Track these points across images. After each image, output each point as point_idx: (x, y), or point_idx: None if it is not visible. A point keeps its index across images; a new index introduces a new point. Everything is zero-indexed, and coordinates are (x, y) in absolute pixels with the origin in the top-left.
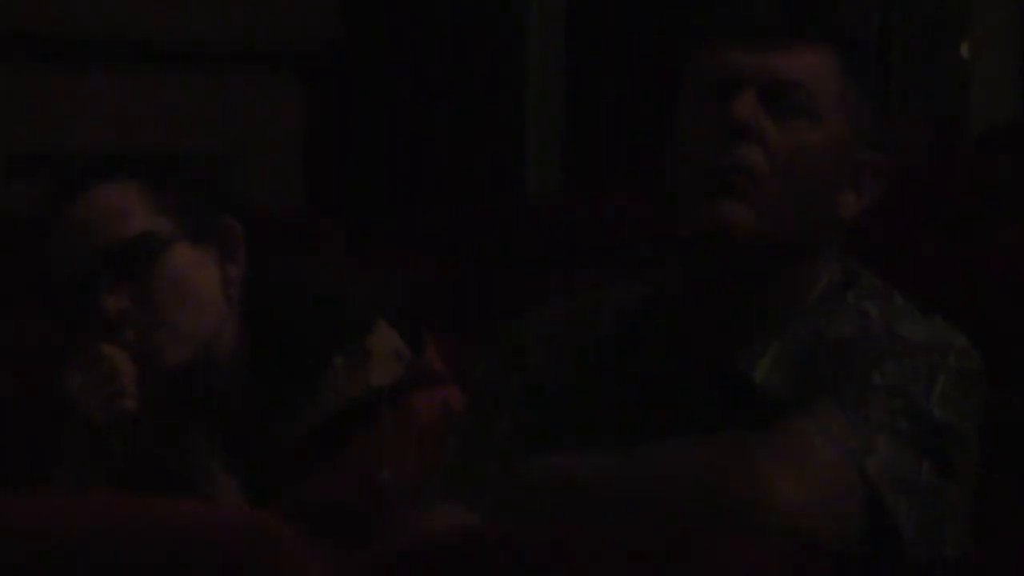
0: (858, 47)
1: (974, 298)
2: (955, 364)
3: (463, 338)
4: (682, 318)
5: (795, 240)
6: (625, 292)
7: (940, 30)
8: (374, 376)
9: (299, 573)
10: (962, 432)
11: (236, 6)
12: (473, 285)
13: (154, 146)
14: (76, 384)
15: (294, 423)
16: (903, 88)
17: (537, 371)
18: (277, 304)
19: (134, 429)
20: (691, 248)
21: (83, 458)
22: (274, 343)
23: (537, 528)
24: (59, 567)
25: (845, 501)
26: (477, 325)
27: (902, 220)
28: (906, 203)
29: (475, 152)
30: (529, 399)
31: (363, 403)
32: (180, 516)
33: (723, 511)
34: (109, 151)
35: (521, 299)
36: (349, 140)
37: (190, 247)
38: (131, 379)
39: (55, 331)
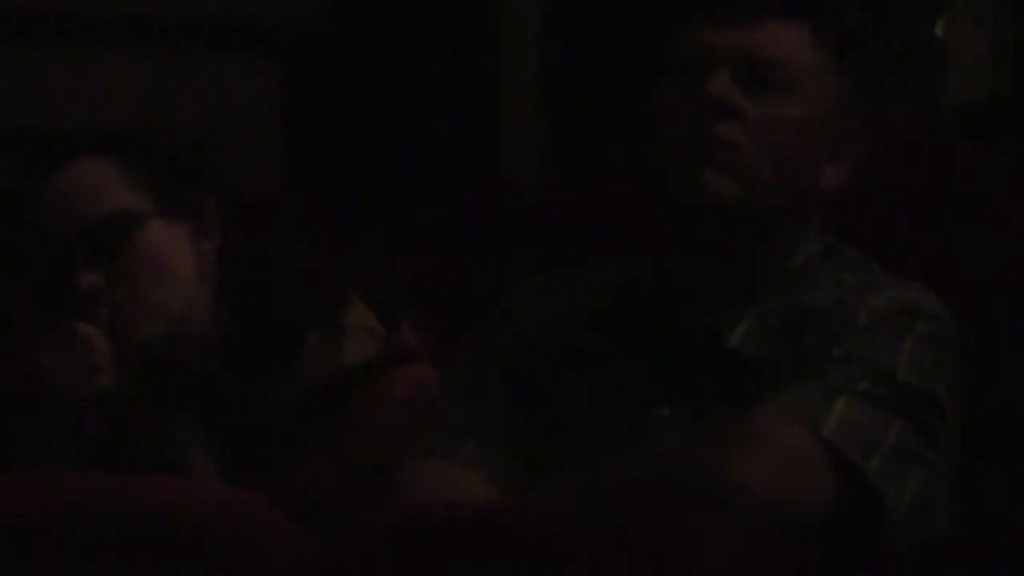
0: (832, 20)
1: (972, 292)
2: (923, 330)
3: (450, 329)
4: (666, 290)
5: (778, 211)
6: (611, 267)
7: (915, 8)
8: (349, 352)
9: (279, 552)
10: (933, 395)
11: None
12: (469, 281)
13: (129, 123)
14: (51, 362)
15: (270, 401)
16: (879, 66)
17: (525, 341)
18: (251, 280)
19: (109, 410)
20: (676, 222)
21: (57, 440)
22: (248, 319)
23: (524, 508)
24: (34, 545)
25: (808, 470)
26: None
27: (890, 206)
28: (894, 191)
29: (449, 132)
30: (516, 372)
31: (338, 379)
32: (159, 494)
33: (696, 499)
34: (85, 128)
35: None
36: (324, 120)
37: (165, 223)
38: (106, 357)
39: (28, 308)
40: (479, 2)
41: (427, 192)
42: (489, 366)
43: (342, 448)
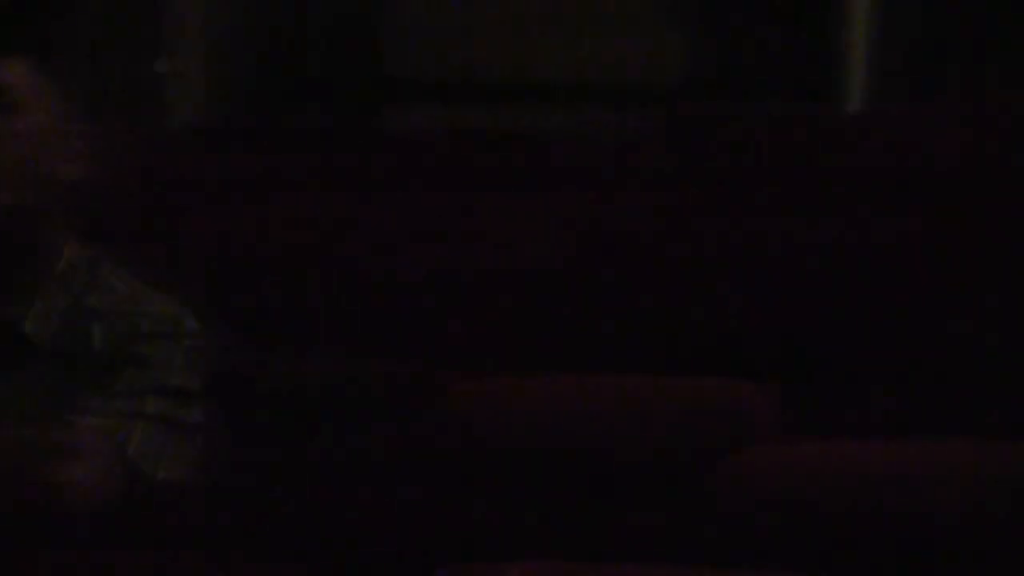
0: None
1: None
2: (188, 343)
3: None
4: None
5: (31, 208)
6: None
7: (136, 46)
8: None
9: None
10: (194, 391)
11: None
12: None
13: None
14: None
15: None
16: (107, 97)
17: None
18: None
19: None
20: None
21: None
22: None
23: None
24: None
25: (118, 479)
26: None
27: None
28: (123, 201)
29: None
30: None
31: None
32: None
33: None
34: None
35: None
36: None
37: None
38: None
39: None
40: None
41: None
42: None
43: None
